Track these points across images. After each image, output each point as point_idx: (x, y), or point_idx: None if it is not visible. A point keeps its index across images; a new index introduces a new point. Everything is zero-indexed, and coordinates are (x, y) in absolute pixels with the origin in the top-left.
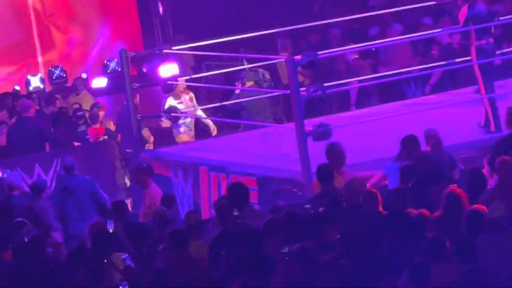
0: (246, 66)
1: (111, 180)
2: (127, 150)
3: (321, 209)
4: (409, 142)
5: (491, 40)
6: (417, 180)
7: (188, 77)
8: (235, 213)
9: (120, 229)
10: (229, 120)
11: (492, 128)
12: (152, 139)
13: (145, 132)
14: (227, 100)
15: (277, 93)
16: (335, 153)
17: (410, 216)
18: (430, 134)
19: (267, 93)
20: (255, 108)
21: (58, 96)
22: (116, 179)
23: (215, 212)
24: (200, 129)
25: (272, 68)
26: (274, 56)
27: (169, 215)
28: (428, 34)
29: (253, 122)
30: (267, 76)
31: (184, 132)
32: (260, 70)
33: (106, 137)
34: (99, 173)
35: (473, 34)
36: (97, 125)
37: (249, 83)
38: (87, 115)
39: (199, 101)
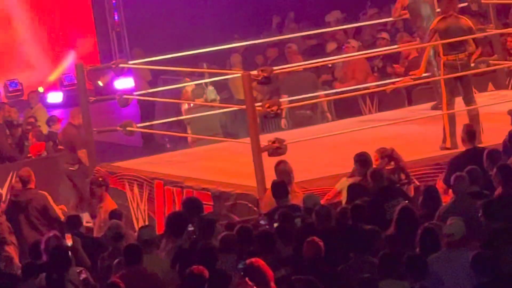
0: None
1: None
2: (70, 168)
3: (275, 224)
4: (362, 159)
5: (460, 55)
6: (371, 196)
7: (144, 91)
8: (190, 228)
9: (77, 243)
10: (185, 135)
11: (448, 144)
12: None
13: (81, 154)
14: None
15: (232, 108)
16: (284, 171)
17: (363, 232)
18: (384, 151)
19: (223, 108)
20: (204, 124)
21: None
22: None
23: (169, 226)
24: (156, 144)
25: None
26: (229, 71)
27: (124, 229)
28: (385, 50)
29: (209, 137)
30: (213, 94)
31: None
32: (209, 87)
33: (45, 153)
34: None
35: (441, 49)
36: (39, 141)
37: (198, 100)
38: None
39: (156, 116)
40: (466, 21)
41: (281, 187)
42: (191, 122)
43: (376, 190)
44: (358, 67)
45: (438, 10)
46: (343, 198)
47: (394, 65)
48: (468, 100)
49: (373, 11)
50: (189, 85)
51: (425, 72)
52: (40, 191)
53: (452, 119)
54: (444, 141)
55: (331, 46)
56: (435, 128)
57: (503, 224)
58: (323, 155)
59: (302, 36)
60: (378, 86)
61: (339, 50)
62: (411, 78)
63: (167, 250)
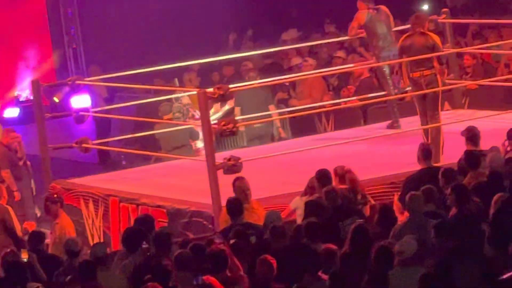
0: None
1: None
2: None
3: (231, 242)
4: (322, 176)
5: (426, 72)
6: (326, 215)
7: (100, 108)
8: (145, 246)
9: (33, 259)
10: (141, 152)
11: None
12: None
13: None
14: (140, 132)
15: (188, 125)
16: (240, 188)
17: (317, 251)
18: (341, 170)
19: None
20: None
21: None
22: None
23: (125, 243)
24: (112, 161)
25: None
26: (186, 89)
27: (80, 245)
28: (342, 68)
29: (164, 155)
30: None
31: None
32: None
33: None
34: None
35: (405, 66)
36: None
37: (166, 116)
38: None
39: (112, 133)
40: (432, 38)
41: (235, 205)
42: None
43: (331, 209)
44: (315, 85)
45: (395, 29)
46: (298, 216)
47: (348, 87)
48: (430, 117)
49: (330, 29)
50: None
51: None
52: (4, 205)
53: (427, 134)
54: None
55: (288, 64)
56: (390, 147)
57: (456, 243)
58: (279, 173)
59: (259, 54)
60: (334, 104)
61: (296, 68)
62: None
63: (121, 267)
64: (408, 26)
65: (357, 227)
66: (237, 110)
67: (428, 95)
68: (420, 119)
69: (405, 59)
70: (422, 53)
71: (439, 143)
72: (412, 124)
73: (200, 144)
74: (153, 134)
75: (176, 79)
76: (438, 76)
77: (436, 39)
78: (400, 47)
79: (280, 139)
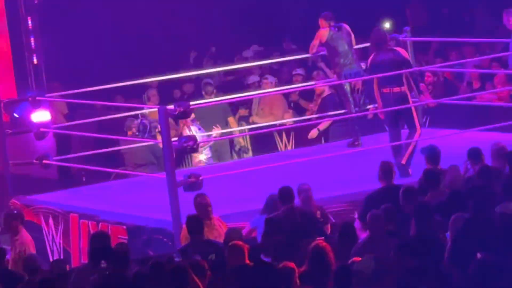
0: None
1: None
2: None
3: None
4: (285, 194)
5: (396, 88)
6: (286, 233)
7: (61, 125)
8: (103, 265)
9: None
10: (101, 169)
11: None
12: None
13: None
14: (100, 148)
15: (149, 142)
16: (201, 205)
17: (276, 269)
18: (301, 188)
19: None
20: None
21: None
22: None
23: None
24: (72, 177)
25: None
26: (147, 105)
27: (40, 262)
28: (303, 86)
29: (124, 171)
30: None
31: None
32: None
33: None
34: None
35: (376, 82)
36: None
37: (129, 132)
38: None
39: (72, 149)
40: (401, 54)
41: (195, 222)
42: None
43: (291, 227)
44: (276, 103)
45: (356, 47)
46: (258, 234)
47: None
48: (410, 133)
49: (291, 47)
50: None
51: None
52: None
53: (396, 150)
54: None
55: (249, 81)
56: (351, 165)
57: (417, 263)
58: (240, 190)
59: (220, 71)
60: (295, 122)
61: (257, 85)
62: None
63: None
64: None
65: (316, 245)
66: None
67: (403, 111)
68: (389, 136)
69: (368, 77)
70: (393, 69)
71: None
72: (373, 142)
73: (202, 156)
74: (113, 151)
75: (145, 95)
76: (407, 92)
77: (405, 54)
78: (371, 65)
79: (240, 149)
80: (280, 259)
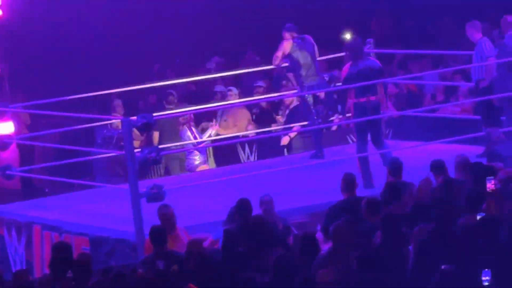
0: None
1: None
2: None
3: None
4: (242, 206)
5: (372, 97)
6: (250, 244)
7: (24, 136)
8: (69, 275)
9: None
10: (64, 180)
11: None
12: None
13: None
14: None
15: (112, 153)
16: (165, 216)
17: (238, 281)
18: (263, 200)
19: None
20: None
21: None
22: None
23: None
24: (35, 188)
25: None
26: (110, 117)
27: (2, 273)
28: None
29: (88, 182)
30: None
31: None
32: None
33: None
34: None
35: (352, 91)
36: None
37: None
38: None
39: (35, 160)
40: (376, 62)
41: (157, 233)
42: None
43: (255, 238)
44: (239, 115)
45: (319, 58)
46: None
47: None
48: (380, 143)
49: (254, 58)
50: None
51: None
52: None
53: (364, 160)
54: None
55: (216, 89)
56: (313, 177)
57: (379, 274)
58: (203, 202)
59: (183, 82)
60: (257, 134)
61: (220, 96)
62: None
63: None
64: (336, 55)
65: (279, 257)
66: (156, 134)
67: (374, 121)
68: (357, 146)
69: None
70: (371, 78)
71: None
72: (336, 154)
73: (197, 160)
74: (76, 162)
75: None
76: (379, 102)
77: (379, 63)
78: (350, 74)
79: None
80: (244, 270)
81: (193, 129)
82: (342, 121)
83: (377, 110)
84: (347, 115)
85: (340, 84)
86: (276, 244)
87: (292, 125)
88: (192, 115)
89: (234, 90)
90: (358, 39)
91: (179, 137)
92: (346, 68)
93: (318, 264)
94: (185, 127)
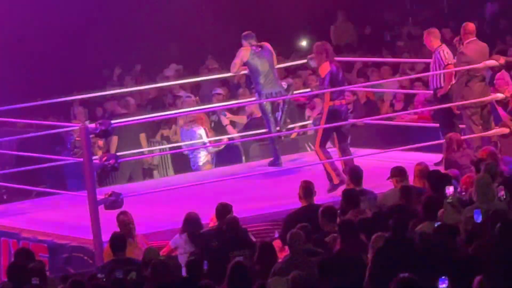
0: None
1: None
2: None
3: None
4: (220, 211)
5: (343, 101)
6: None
7: None
8: (34, 282)
9: None
10: (22, 186)
11: (336, 181)
12: None
13: None
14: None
15: (71, 161)
16: (123, 222)
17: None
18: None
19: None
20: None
21: None
22: None
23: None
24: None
25: None
26: (68, 124)
27: None
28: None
29: (46, 189)
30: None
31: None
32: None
33: None
34: None
35: (328, 94)
36: None
37: None
38: None
39: None
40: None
41: (116, 240)
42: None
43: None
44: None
45: (278, 66)
46: (179, 255)
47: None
48: (345, 148)
49: (213, 66)
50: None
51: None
52: None
53: (329, 157)
54: (331, 181)
55: (171, 100)
56: (272, 185)
57: (339, 281)
58: (161, 209)
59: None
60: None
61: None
62: None
63: None
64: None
65: (235, 264)
66: (115, 139)
67: (345, 125)
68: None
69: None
70: (344, 81)
71: None
72: (294, 161)
73: (202, 159)
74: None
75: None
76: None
77: None
78: (332, 76)
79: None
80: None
81: (203, 129)
82: (301, 130)
83: (347, 114)
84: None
85: (299, 91)
86: (243, 249)
87: (249, 132)
88: (203, 115)
89: (193, 97)
90: (327, 43)
91: (143, 142)
92: (324, 68)
93: (276, 272)
94: (198, 125)
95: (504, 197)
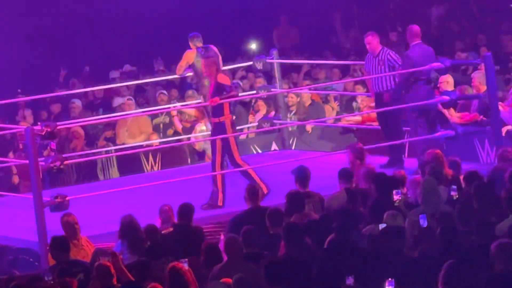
0: None
1: None
2: None
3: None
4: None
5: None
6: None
7: None
8: None
9: None
10: None
11: (220, 202)
12: None
13: None
14: None
15: (19, 163)
16: (67, 224)
17: None
18: (162, 209)
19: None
20: None
21: None
22: None
23: None
24: None
25: None
26: (14, 126)
27: None
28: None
29: None
30: None
31: None
32: None
33: None
34: None
35: (227, 107)
36: None
37: None
38: None
39: None
40: None
41: (59, 243)
42: None
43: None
44: (143, 124)
45: (224, 68)
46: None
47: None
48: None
49: (160, 67)
50: None
51: None
52: None
53: (224, 178)
54: (214, 200)
55: (115, 102)
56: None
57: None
58: (106, 211)
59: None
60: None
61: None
62: None
63: None
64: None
65: (172, 268)
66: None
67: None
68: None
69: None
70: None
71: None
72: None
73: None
74: None
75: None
76: None
77: None
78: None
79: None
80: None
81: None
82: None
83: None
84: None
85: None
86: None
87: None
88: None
89: (132, 100)
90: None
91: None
92: (224, 79)
93: (213, 276)
94: (199, 122)
95: (457, 196)
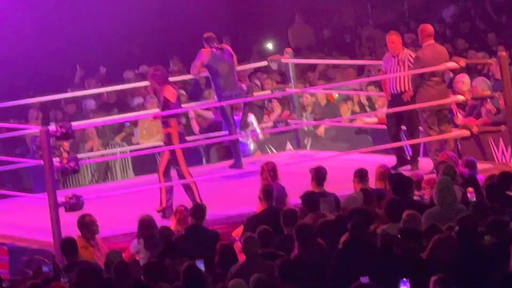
0: None
1: None
2: None
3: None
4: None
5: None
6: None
7: None
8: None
9: None
10: None
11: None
12: None
13: None
14: None
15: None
16: (86, 224)
17: None
18: (178, 209)
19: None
20: None
21: None
22: None
23: None
24: None
25: None
26: (27, 126)
27: None
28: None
29: (6, 191)
30: None
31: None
32: None
33: None
34: None
35: (175, 119)
36: None
37: None
38: None
39: None
40: None
41: (68, 244)
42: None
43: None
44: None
45: (238, 68)
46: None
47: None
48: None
49: (176, 68)
50: None
51: None
52: None
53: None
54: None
55: (134, 102)
56: (232, 187)
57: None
58: (123, 211)
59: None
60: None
61: (141, 107)
62: None
63: None
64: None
65: (189, 266)
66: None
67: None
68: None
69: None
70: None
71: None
72: (254, 164)
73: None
74: None
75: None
76: None
77: None
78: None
79: None
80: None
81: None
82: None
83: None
84: None
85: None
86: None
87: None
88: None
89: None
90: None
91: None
92: (170, 92)
93: (232, 274)
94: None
95: (475, 199)
